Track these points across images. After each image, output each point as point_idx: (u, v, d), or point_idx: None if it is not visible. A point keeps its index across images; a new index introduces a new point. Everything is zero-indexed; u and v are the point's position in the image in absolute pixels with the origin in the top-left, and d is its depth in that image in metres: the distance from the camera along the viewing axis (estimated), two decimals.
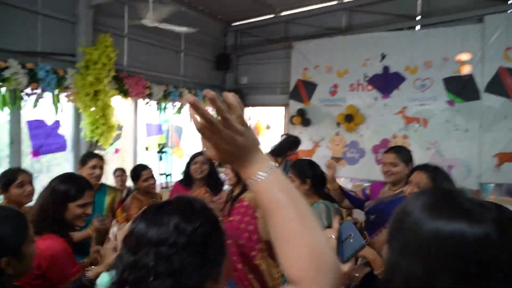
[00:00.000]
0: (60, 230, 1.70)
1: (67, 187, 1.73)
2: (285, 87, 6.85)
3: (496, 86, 5.06)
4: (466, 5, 5.36)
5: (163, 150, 5.21)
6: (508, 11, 5.09)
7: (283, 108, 7.05)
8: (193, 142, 6.68)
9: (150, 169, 3.10)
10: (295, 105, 6.60)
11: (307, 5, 6.58)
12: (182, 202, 0.90)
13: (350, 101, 6.09)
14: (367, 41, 5.96)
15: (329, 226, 2.13)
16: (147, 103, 5.42)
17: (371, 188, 2.67)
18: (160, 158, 5.19)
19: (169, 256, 0.79)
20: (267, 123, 7.80)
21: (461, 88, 5.30)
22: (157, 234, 0.81)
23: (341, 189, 2.65)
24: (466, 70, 5.27)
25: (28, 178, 2.22)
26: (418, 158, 6.21)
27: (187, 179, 3.01)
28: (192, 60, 6.63)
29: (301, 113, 6.44)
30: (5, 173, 2.17)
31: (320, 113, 6.39)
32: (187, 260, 0.80)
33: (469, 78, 5.24)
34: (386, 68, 5.83)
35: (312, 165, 2.38)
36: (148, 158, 5.70)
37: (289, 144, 4.48)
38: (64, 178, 1.80)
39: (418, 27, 5.74)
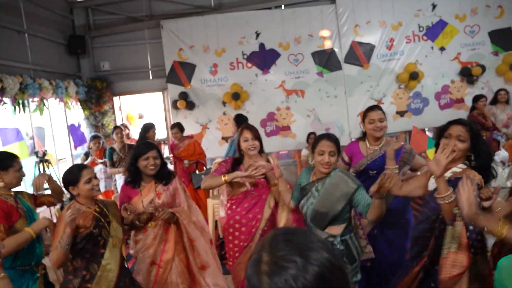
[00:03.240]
0: None
1: None
2: (159, 70, 6.32)
3: (352, 57, 6.11)
4: None
5: (45, 158, 4.02)
6: None
7: (160, 93, 6.51)
8: (61, 145, 5.44)
9: (91, 168, 2.29)
10: (175, 89, 6.20)
11: None
12: None
13: (232, 79, 6.16)
14: (240, 20, 6.10)
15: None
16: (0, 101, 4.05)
17: (347, 150, 2.85)
18: (42, 169, 3.99)
19: None
20: (140, 112, 7.01)
21: (326, 60, 6.13)
22: None
23: None
24: (327, 45, 6.12)
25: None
26: (302, 126, 6.80)
27: (135, 178, 2.55)
28: (40, 43, 5.27)
29: (184, 96, 6.12)
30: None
31: (203, 95, 6.23)
32: None
33: (331, 51, 6.11)
34: (262, 46, 6.14)
35: None
36: None
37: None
38: None
39: (283, 7, 6.23)
